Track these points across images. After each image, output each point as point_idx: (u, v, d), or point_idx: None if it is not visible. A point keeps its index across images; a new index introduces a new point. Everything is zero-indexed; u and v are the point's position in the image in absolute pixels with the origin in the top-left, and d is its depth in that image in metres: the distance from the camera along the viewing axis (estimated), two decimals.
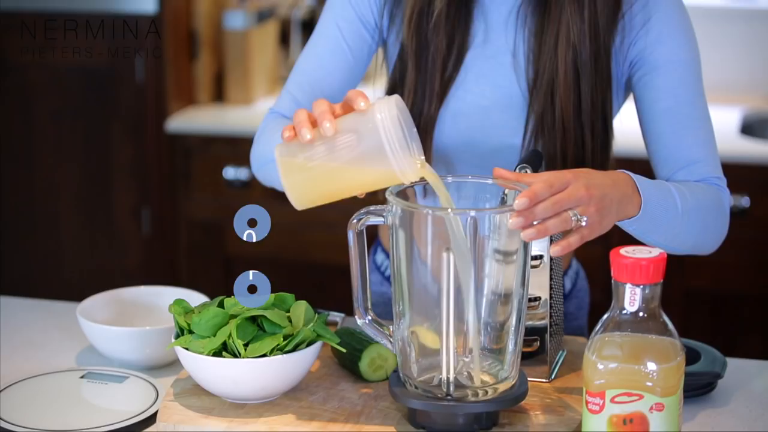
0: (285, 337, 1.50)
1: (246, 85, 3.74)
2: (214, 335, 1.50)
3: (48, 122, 3.68)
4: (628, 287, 1.28)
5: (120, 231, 3.69)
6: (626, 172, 1.56)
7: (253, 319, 1.52)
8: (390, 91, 1.84)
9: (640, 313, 1.28)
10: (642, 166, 1.75)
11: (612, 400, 1.28)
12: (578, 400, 1.51)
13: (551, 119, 1.76)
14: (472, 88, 1.80)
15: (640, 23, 1.76)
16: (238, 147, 3.44)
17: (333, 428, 1.44)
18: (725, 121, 3.46)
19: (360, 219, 1.46)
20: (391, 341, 1.49)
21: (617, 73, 1.80)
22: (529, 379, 1.51)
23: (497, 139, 1.80)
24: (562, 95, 1.75)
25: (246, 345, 1.49)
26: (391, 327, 1.49)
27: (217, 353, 1.49)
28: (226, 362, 1.48)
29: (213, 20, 3.76)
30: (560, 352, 1.66)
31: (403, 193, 1.45)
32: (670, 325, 1.29)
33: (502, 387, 1.43)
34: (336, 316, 1.79)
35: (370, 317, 1.49)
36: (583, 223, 1.42)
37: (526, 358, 1.56)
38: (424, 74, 1.79)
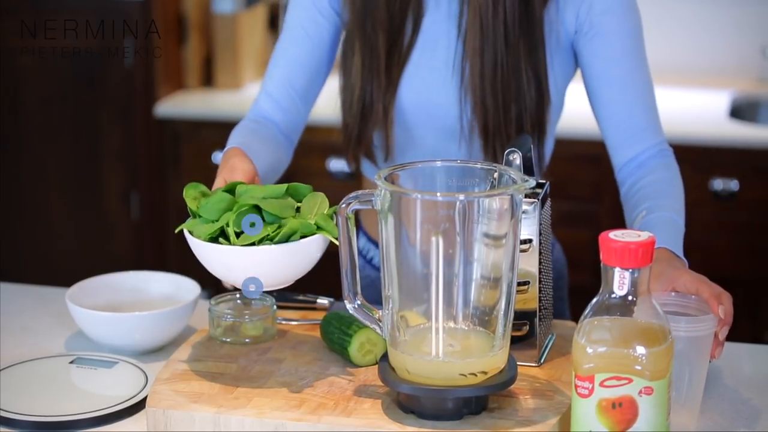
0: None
1: (235, 69, 3.74)
2: (218, 220, 1.52)
3: (37, 107, 3.67)
4: (617, 271, 1.28)
5: (109, 216, 3.69)
6: (667, 248, 1.65)
7: (259, 209, 1.52)
8: (345, 60, 1.93)
9: (629, 297, 1.28)
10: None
11: (601, 384, 1.28)
12: (567, 384, 1.51)
13: (470, 87, 1.86)
14: (425, 53, 1.89)
15: None
16: (228, 131, 3.40)
17: (322, 413, 1.44)
18: (714, 105, 3.47)
19: (349, 203, 1.46)
20: (380, 326, 1.49)
21: (562, 40, 1.87)
22: (518, 363, 1.51)
23: (445, 103, 1.88)
24: (471, 62, 1.84)
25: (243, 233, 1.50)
26: (380, 311, 1.49)
27: (218, 238, 1.51)
28: (214, 248, 1.49)
29: (202, 4, 3.76)
30: (549, 336, 1.66)
31: (391, 178, 1.45)
32: (659, 309, 1.29)
33: (491, 371, 1.43)
34: (325, 301, 1.79)
35: (359, 302, 1.49)
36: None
37: (516, 342, 1.56)
38: (380, 39, 1.87)
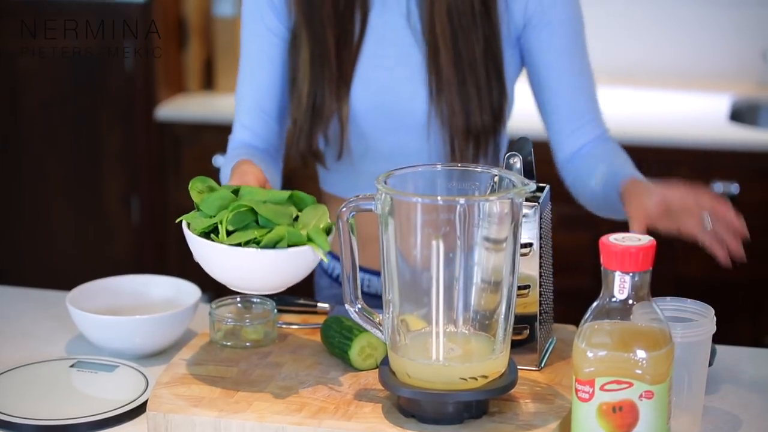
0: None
1: (235, 72, 3.71)
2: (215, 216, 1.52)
3: (37, 110, 3.67)
4: (618, 275, 1.28)
5: (109, 219, 3.68)
6: (635, 177, 1.73)
7: (256, 212, 1.52)
8: (294, 64, 1.92)
9: (630, 301, 1.28)
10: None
11: (601, 388, 1.28)
12: (568, 388, 1.51)
13: (437, 78, 1.85)
14: (377, 51, 1.89)
15: None
16: (228, 135, 3.43)
17: (323, 417, 1.44)
18: (714, 108, 3.47)
19: (349, 207, 1.45)
20: (380, 330, 1.49)
21: (512, 33, 1.88)
22: (518, 367, 1.51)
23: (405, 101, 1.88)
24: (443, 54, 1.84)
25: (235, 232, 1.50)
26: (380, 315, 1.49)
27: (210, 234, 1.51)
28: (201, 242, 1.49)
29: (202, 7, 3.75)
30: (550, 340, 1.66)
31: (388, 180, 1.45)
32: (660, 313, 1.29)
33: (492, 375, 1.43)
34: (325, 305, 1.79)
35: (359, 306, 1.49)
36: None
37: (516, 346, 1.56)
38: (328, 33, 1.87)
